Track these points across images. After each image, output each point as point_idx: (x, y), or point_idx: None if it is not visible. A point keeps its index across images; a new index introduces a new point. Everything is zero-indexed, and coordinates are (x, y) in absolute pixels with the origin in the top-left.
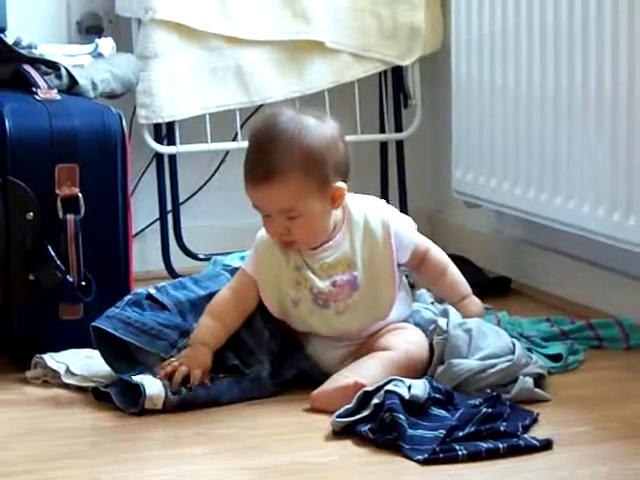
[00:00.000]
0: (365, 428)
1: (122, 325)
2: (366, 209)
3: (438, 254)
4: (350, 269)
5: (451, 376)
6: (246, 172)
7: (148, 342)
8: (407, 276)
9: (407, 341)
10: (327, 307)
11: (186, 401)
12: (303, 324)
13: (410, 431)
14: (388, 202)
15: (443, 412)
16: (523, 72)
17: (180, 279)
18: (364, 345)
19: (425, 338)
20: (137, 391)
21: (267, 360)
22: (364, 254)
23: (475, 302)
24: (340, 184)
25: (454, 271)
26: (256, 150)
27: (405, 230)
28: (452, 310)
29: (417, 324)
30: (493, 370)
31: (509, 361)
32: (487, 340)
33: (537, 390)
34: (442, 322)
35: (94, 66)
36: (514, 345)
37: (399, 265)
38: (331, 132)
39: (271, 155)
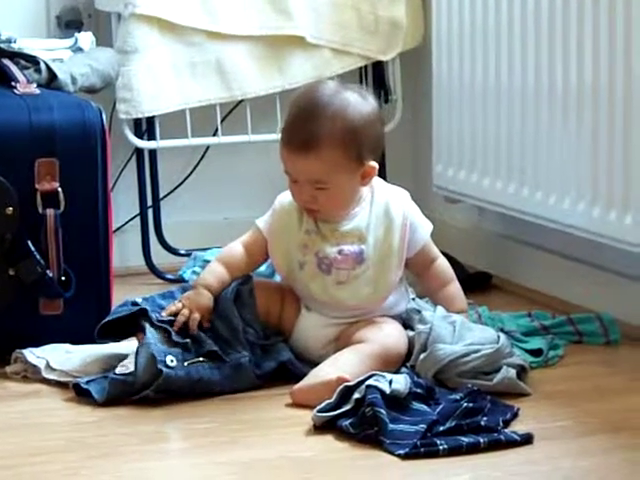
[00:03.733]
0: (346, 423)
1: None
2: (391, 195)
3: (445, 266)
4: (360, 242)
5: (434, 360)
6: (284, 137)
7: None
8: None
9: (385, 334)
10: (329, 273)
11: (168, 381)
12: (305, 288)
13: (391, 426)
14: None
15: (424, 407)
16: (504, 67)
17: (171, 289)
18: (343, 335)
19: (403, 331)
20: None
21: (245, 350)
22: (377, 233)
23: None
24: (372, 163)
25: (457, 286)
26: (298, 118)
27: (422, 227)
28: (438, 306)
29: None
30: (476, 355)
31: (493, 348)
32: (472, 332)
33: (519, 382)
34: (427, 313)
35: (74, 60)
36: (499, 338)
37: (406, 263)
38: (372, 110)
39: (312, 126)
